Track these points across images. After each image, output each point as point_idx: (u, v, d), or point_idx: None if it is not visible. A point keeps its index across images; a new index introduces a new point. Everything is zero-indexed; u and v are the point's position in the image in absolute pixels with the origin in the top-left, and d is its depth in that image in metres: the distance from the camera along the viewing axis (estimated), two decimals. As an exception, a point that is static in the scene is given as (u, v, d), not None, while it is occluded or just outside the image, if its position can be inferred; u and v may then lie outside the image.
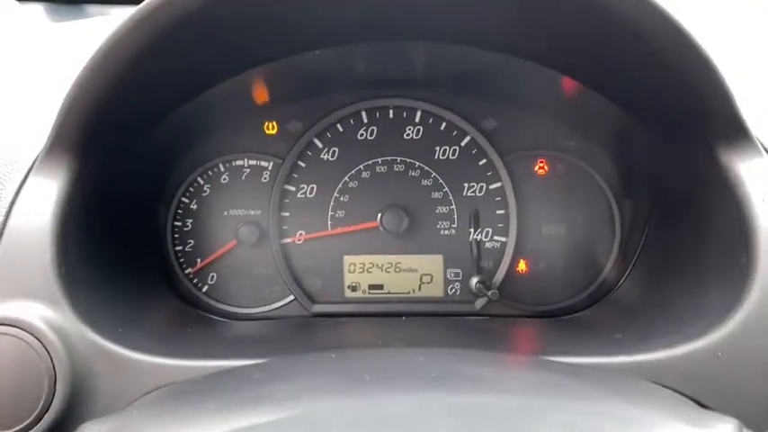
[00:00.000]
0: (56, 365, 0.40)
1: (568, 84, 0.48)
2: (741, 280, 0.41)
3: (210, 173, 0.55)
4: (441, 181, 0.55)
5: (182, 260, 0.55)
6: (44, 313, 0.41)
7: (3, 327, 0.40)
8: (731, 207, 0.43)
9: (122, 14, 0.84)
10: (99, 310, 0.44)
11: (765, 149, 0.44)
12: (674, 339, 0.41)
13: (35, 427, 0.38)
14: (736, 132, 0.43)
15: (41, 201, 0.43)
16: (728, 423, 0.29)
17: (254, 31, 0.44)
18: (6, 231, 0.42)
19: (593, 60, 0.43)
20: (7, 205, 0.42)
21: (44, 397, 0.40)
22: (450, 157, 0.55)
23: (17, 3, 0.87)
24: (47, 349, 0.41)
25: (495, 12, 0.42)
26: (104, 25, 0.77)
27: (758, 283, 0.40)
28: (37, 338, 0.41)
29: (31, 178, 0.43)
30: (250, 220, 0.55)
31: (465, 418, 0.26)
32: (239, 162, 0.55)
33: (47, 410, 0.37)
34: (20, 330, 0.41)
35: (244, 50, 0.45)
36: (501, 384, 0.30)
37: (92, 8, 0.90)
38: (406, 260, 0.55)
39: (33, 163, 0.44)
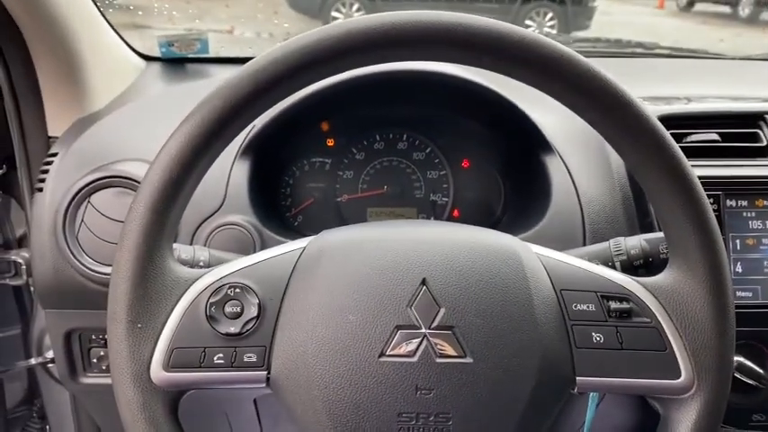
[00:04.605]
0: (255, 240, 0.87)
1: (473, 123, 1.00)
2: (546, 205, 0.83)
3: (299, 164, 0.96)
4: (416, 170, 0.96)
5: (285, 210, 0.98)
6: (246, 219, 0.88)
7: (229, 225, 0.87)
8: (544, 179, 0.92)
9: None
10: (266, 220, 0.82)
11: (557, 150, 0.85)
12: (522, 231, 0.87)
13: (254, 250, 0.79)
14: (541, 142, 0.84)
15: (243, 172, 0.85)
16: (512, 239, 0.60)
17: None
18: (228, 188, 0.83)
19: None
20: (227, 176, 0.84)
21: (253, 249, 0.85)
22: (421, 158, 0.97)
23: (144, 61, 1.13)
24: (249, 233, 0.88)
25: None
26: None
27: (551, 208, 0.83)
28: (244, 228, 0.87)
29: (236, 162, 0.89)
30: (319, 189, 0.97)
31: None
32: (314, 159, 0.96)
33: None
34: (235, 226, 0.88)
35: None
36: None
37: (192, 67, 1.14)
38: (398, 210, 0.96)
39: (237, 152, 0.84)
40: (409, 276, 0.56)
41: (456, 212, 0.97)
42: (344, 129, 0.97)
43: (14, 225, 1.18)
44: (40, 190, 0.85)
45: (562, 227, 0.82)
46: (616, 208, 0.82)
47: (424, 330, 0.53)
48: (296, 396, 0.54)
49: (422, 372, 0.52)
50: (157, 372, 0.53)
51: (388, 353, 0.53)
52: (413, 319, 0.54)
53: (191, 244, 0.82)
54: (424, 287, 0.56)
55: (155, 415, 0.54)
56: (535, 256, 0.60)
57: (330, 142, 0.98)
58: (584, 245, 0.80)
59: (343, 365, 0.53)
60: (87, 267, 0.80)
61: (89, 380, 0.90)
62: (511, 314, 0.56)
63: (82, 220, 0.80)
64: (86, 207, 0.82)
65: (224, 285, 0.56)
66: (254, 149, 0.86)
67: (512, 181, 0.95)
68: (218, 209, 0.82)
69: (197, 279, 0.58)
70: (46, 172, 0.84)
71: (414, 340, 0.53)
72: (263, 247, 0.81)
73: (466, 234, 0.61)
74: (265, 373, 0.55)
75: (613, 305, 0.57)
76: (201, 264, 0.69)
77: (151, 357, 0.53)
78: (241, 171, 0.84)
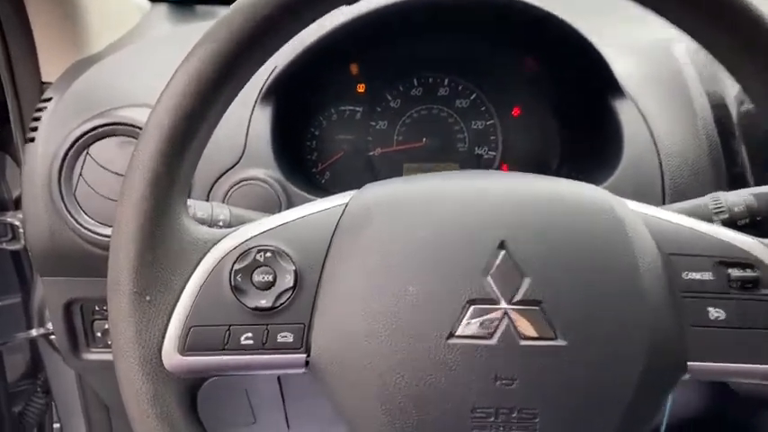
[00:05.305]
0: (280, 198, 0.76)
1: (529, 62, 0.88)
2: (617, 157, 0.74)
3: (327, 113, 0.87)
4: (459, 120, 0.86)
5: (311, 165, 0.89)
6: (270, 173, 0.76)
7: (250, 180, 0.76)
8: (613, 127, 0.79)
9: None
10: (288, 174, 0.73)
11: (630, 93, 0.75)
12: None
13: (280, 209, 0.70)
14: (611, 84, 0.74)
15: (264, 119, 0.75)
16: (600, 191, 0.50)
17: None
18: (248, 138, 0.73)
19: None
20: (246, 124, 0.74)
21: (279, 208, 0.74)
22: (464, 106, 0.87)
23: (148, 2, 1.03)
24: (274, 190, 0.77)
25: None
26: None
27: (624, 161, 0.72)
28: (267, 184, 0.76)
29: (257, 108, 0.75)
30: (349, 142, 0.87)
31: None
32: (343, 107, 0.87)
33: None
34: (257, 181, 0.77)
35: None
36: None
37: (202, 8, 1.04)
38: (438, 166, 0.87)
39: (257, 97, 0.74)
40: (484, 238, 0.46)
41: (504, 168, 0.86)
42: (377, 72, 0.87)
43: (10, 184, 1.07)
44: (32, 140, 0.74)
45: (637, 182, 0.71)
46: (701, 158, 0.71)
47: (504, 305, 0.44)
48: (342, 385, 0.46)
49: (502, 357, 0.43)
50: (171, 356, 0.45)
51: (458, 333, 0.44)
52: (490, 292, 0.44)
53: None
54: (504, 251, 0.45)
55: (169, 409, 0.45)
56: (635, 214, 0.49)
57: (361, 88, 0.88)
58: (664, 202, 0.68)
59: (403, 349, 0.44)
60: (87, 229, 0.70)
61: (93, 356, 0.81)
62: (612, 285, 0.45)
63: (80, 175, 0.70)
64: (85, 159, 0.72)
65: (252, 249, 0.47)
66: (277, 94, 0.76)
67: (571, 130, 0.85)
68: (238, 162, 0.73)
69: (218, 241, 0.48)
70: (38, 119, 0.73)
71: (491, 317, 0.44)
72: (290, 206, 0.70)
73: (549, 186, 0.50)
74: (304, 356, 0.46)
75: (735, 273, 0.47)
76: (221, 224, 0.59)
77: (163, 338, 0.45)
78: (262, 118, 0.73)
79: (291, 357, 0.46)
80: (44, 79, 0.88)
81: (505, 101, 0.89)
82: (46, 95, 0.79)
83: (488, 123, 0.89)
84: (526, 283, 0.44)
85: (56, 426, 1.25)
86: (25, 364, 1.21)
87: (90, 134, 0.72)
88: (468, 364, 0.43)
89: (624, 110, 0.75)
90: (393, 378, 0.44)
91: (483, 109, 0.89)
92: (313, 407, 1.00)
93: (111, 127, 0.72)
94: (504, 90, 0.89)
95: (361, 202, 0.50)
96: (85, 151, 0.72)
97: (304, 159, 0.89)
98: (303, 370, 0.48)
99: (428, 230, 0.47)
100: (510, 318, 0.44)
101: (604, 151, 0.77)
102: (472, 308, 0.44)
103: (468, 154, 0.89)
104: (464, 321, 0.44)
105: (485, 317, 0.44)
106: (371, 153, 0.89)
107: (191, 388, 0.46)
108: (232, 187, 0.72)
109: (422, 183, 0.51)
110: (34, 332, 1.01)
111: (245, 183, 0.72)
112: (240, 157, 0.73)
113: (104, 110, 0.74)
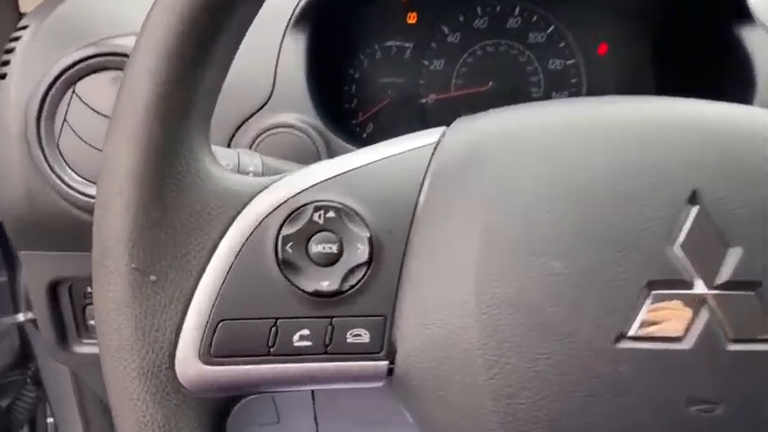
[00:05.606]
0: (319, 150, 0.60)
1: None
2: (746, 97, 0.59)
3: (369, 50, 0.73)
4: (534, 58, 0.73)
5: (349, 115, 0.75)
6: (304, 118, 0.61)
7: (282, 127, 0.61)
8: (739, 60, 0.63)
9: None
10: (326, 120, 0.61)
11: (759, 18, 0.61)
12: None
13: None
14: (737, 6, 0.61)
15: (298, 49, 0.61)
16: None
17: None
18: (278, 73, 0.60)
19: None
20: (275, 56, 0.60)
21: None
22: (540, 41, 0.73)
23: None
24: (312, 139, 0.61)
25: None
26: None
27: (756, 100, 0.59)
28: (303, 132, 0.61)
29: (287, 36, 0.63)
30: (397, 86, 0.73)
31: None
32: (389, 43, 0.73)
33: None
34: (290, 129, 0.61)
35: None
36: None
37: None
38: None
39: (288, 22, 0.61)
40: (666, 187, 0.31)
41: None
42: (433, -2, 0.75)
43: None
44: (3, 77, 0.59)
45: None
46: None
47: (701, 290, 0.30)
48: (444, 407, 0.32)
49: (700, 369, 0.30)
50: (189, 365, 0.31)
51: (632, 333, 0.30)
52: (679, 269, 0.30)
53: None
54: (698, 207, 0.31)
55: None
56: None
57: (411, 18, 0.74)
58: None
59: (543, 357, 0.30)
60: (74, 189, 0.56)
61: (85, 348, 0.67)
62: None
63: (64, 120, 0.56)
64: (71, 100, 0.57)
65: (307, 206, 0.33)
66: (311, 20, 0.63)
67: (673, 70, 0.68)
68: (265, 103, 0.59)
69: (257, 193, 0.33)
70: (11, 51, 0.57)
71: (683, 309, 0.30)
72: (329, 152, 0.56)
73: (741, 112, 0.34)
74: (385, 363, 0.33)
75: None
76: (251, 175, 0.43)
77: (177, 338, 0.31)
78: (295, 49, 0.60)
79: (367, 365, 0.33)
80: (22, 10, 0.78)
81: (590, 35, 0.74)
82: (22, 23, 0.63)
83: (569, 63, 0.75)
84: (734, 255, 0.31)
85: (50, 420, 1.12)
86: (13, 353, 1.06)
87: (76, 67, 0.57)
88: (648, 379, 0.30)
89: (754, 38, 0.61)
90: (528, 400, 0.30)
91: (562, 45, 0.74)
92: (344, 406, 0.86)
93: (102, 58, 0.57)
94: (590, 21, 0.73)
95: (464, 137, 0.35)
96: (71, 89, 0.57)
97: (342, 108, 0.74)
98: (383, 383, 0.33)
99: (577, 178, 0.31)
100: (711, 308, 0.30)
101: (726, 90, 0.61)
102: (653, 294, 0.30)
103: (543, 100, 0.73)
104: (641, 315, 0.30)
105: (672, 308, 0.30)
106: (424, 100, 0.75)
107: (218, 413, 0.32)
108: (259, 135, 0.58)
109: (555, 108, 0.35)
110: (21, 317, 0.89)
111: (275, 130, 0.57)
112: (268, 98, 0.59)
113: (94, 39, 0.59)
